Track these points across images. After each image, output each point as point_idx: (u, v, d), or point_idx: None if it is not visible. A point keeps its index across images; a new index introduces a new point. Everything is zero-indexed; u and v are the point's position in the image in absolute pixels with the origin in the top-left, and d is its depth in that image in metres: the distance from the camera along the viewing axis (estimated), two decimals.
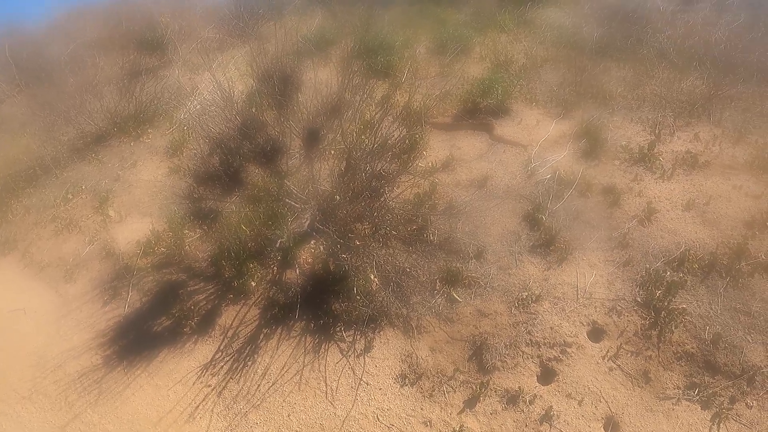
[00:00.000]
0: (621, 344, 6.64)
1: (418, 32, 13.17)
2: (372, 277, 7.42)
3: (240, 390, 6.86)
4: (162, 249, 8.49)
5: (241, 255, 7.95)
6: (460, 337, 7.04)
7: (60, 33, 14.38)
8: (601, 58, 11.95)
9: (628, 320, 6.88)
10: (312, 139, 7.53)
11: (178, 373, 7.09)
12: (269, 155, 7.32)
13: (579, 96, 10.92)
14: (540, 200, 8.72)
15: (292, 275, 7.84)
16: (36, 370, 7.43)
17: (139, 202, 9.70)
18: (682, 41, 12.14)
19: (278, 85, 7.55)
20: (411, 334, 7.22)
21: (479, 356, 6.78)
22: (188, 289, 7.90)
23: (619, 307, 7.13)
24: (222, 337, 7.39)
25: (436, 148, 9.80)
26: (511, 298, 7.46)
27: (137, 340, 7.51)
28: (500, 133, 10.10)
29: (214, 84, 8.13)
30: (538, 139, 10.00)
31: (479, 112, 10.64)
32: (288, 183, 7.83)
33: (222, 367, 7.11)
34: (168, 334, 7.49)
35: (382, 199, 7.52)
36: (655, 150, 9.37)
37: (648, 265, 7.32)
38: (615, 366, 6.48)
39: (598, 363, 6.53)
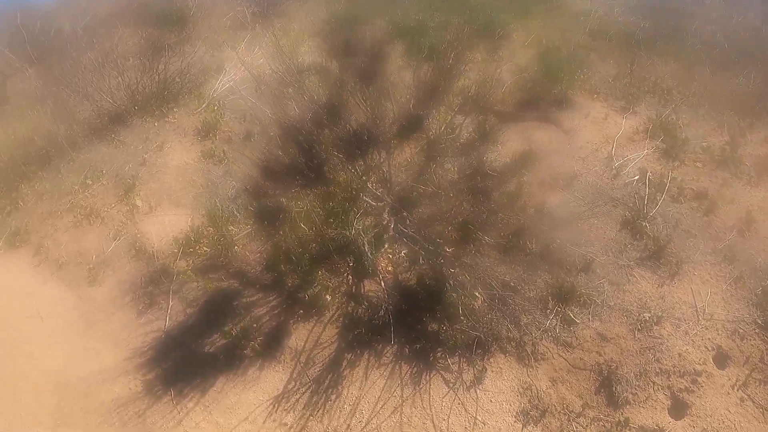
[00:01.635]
0: (749, 372, 5.52)
1: (448, 15, 11.23)
2: (476, 293, 5.56)
3: (325, 431, 4.96)
4: (205, 249, 6.49)
5: (305, 259, 6.00)
6: (583, 365, 5.64)
7: (74, 3, 11.99)
8: (646, 50, 10.19)
9: (752, 345, 5.75)
10: (410, 127, 5.62)
11: (243, 408, 5.20)
12: (361, 145, 5.38)
13: (636, 89, 9.20)
14: (635, 205, 7.01)
15: (373, 286, 5.92)
16: (59, 394, 5.46)
17: (170, 191, 7.66)
18: (728, 34, 10.41)
19: (367, 63, 5.59)
20: (527, 362, 5.49)
21: (608, 388, 5.45)
22: (244, 300, 5.96)
23: (741, 330, 5.84)
24: (294, 363, 5.51)
25: (505, 141, 7.90)
26: (631, 319, 5.95)
27: (185, 362, 5.59)
28: (570, 127, 8.32)
29: (278, 58, 6.11)
30: (612, 135, 8.27)
31: (541, 102, 8.81)
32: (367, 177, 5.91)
33: (298, 400, 5.23)
34: (224, 357, 5.56)
35: (491, 203, 5.65)
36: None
37: (761, 282, 6.19)
38: (746, 396, 5.37)
39: (728, 393, 5.40)
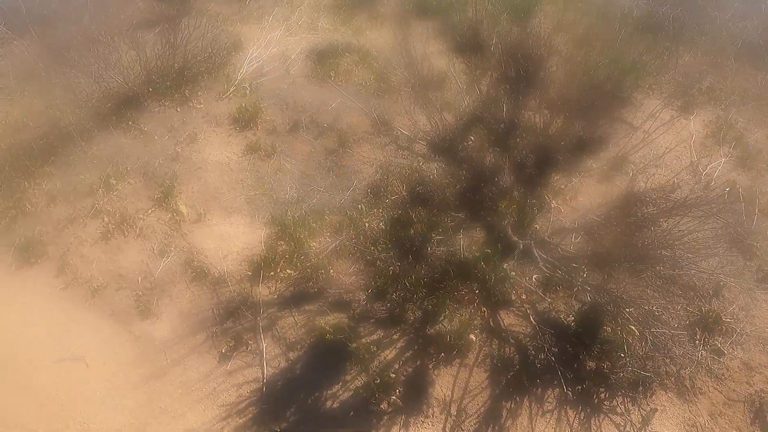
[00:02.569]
0: None
1: None
2: (632, 326, 4.58)
3: None
4: (288, 271, 5.08)
5: (418, 285, 4.79)
6: (736, 397, 5.02)
7: None
8: (674, 41, 9.19)
9: None
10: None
11: None
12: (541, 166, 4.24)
13: (685, 86, 8.36)
14: (736, 220, 6.19)
15: (512, 319, 4.79)
16: None
17: (217, 194, 6.15)
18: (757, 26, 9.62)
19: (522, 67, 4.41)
20: (687, 397, 4.70)
21: (761, 419, 4.90)
22: (362, 339, 4.62)
23: None
24: (444, 417, 4.37)
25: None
26: None
27: (301, 423, 4.26)
28: (643, 129, 7.40)
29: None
30: (684, 139, 7.42)
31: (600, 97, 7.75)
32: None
33: None
34: (354, 415, 4.26)
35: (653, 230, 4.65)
36: None
37: None
38: None
39: None
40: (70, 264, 5.52)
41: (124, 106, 7.20)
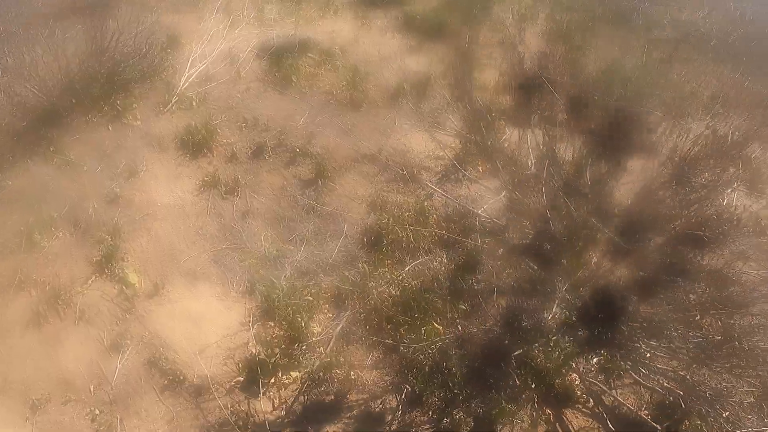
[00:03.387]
0: None
1: None
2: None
3: None
4: (293, 374, 4.16)
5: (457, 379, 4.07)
6: None
7: None
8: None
9: None
10: None
11: None
12: None
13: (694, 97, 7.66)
14: None
15: (580, 420, 4.14)
16: None
17: (174, 252, 5.02)
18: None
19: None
20: None
21: None
22: None
23: None
24: None
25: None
26: None
27: None
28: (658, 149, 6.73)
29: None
30: None
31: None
32: None
33: None
34: None
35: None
36: None
37: None
38: None
39: None
40: None
41: (41, 124, 5.69)
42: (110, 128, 5.89)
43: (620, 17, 8.24)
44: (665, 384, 4.23)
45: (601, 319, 3.87)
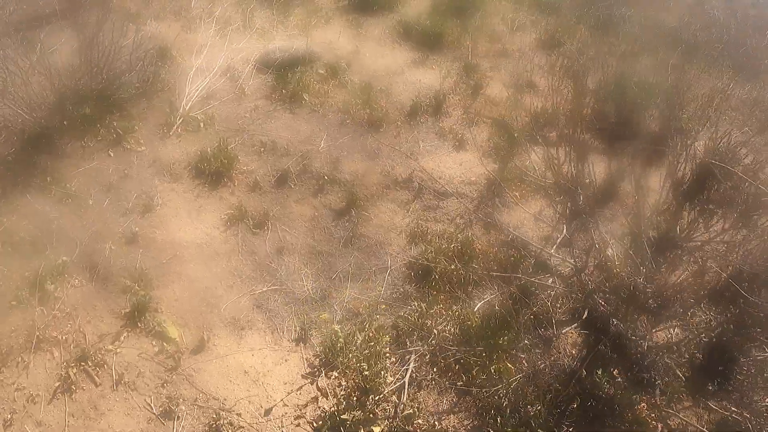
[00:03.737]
0: None
1: None
2: None
3: None
4: (375, 429, 3.89)
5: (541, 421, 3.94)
6: None
7: None
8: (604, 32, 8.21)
9: None
10: None
11: None
12: None
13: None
14: None
15: None
16: None
17: (212, 298, 4.50)
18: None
19: None
20: None
21: None
22: None
23: None
24: None
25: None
26: None
27: None
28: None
29: None
30: None
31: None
32: None
33: None
34: None
35: None
36: None
37: None
38: None
39: None
40: None
41: (33, 150, 4.91)
42: (111, 154, 5.19)
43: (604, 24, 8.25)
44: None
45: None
